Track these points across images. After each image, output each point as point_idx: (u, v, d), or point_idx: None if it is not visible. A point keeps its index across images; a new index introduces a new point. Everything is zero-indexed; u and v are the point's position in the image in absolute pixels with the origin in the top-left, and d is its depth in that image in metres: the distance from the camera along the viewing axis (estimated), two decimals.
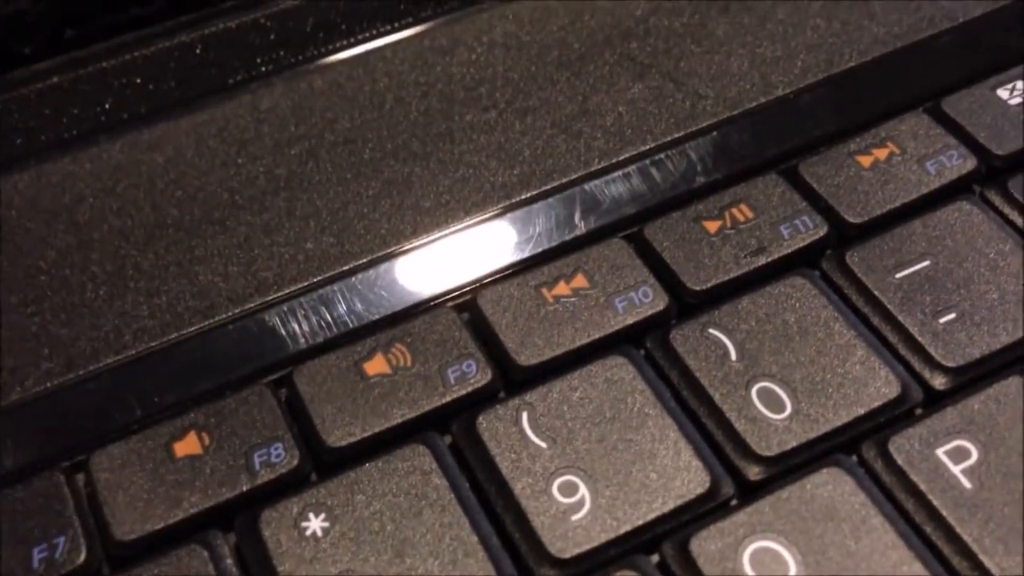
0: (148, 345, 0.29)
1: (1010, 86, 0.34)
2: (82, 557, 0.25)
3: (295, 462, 0.27)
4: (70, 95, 0.34)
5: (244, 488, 0.26)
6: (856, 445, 0.27)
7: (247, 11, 0.36)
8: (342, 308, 0.30)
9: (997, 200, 0.31)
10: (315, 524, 0.25)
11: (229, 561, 0.25)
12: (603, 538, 0.25)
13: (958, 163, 0.32)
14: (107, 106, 0.34)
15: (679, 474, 0.26)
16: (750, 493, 0.26)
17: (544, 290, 0.30)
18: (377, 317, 0.29)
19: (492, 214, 0.31)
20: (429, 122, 0.34)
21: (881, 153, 0.32)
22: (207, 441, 0.27)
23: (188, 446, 0.27)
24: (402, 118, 0.34)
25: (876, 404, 0.27)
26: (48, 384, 0.28)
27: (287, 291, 0.30)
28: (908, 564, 0.25)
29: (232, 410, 0.27)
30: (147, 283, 0.30)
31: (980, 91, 0.33)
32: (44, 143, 0.33)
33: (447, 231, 0.31)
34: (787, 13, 0.36)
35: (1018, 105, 0.33)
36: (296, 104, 0.34)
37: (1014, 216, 0.31)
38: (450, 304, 0.30)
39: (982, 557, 0.25)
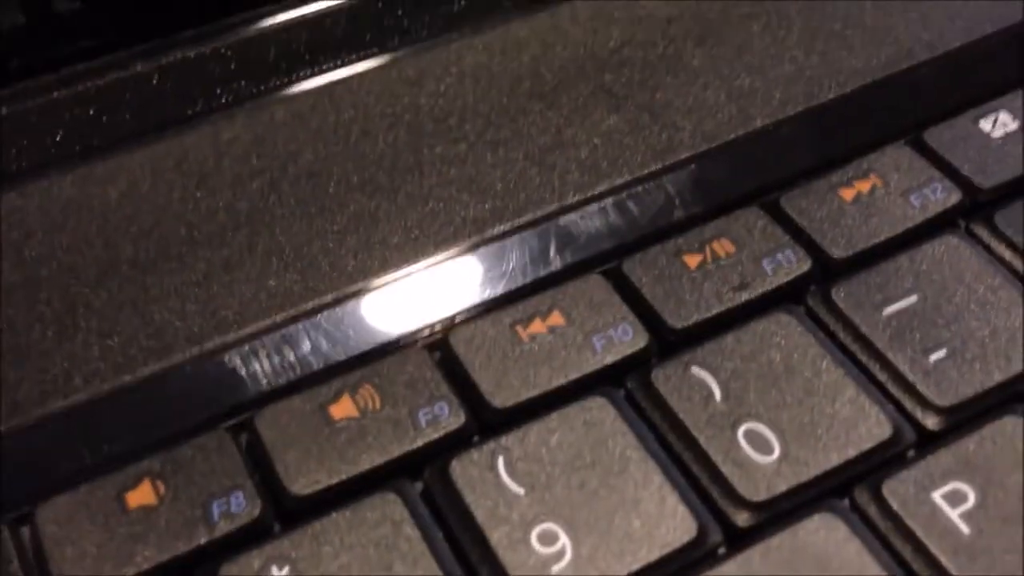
0: (99, 389, 0.27)
1: (992, 118, 0.33)
2: None
3: (256, 512, 0.25)
4: (18, 127, 0.32)
5: (202, 540, 0.25)
6: (848, 489, 0.26)
7: (206, 41, 0.34)
8: (307, 348, 0.28)
9: (984, 234, 0.31)
10: None
11: None
12: None
13: (942, 196, 0.31)
14: (58, 139, 0.32)
15: (664, 521, 0.25)
16: (739, 540, 0.25)
17: (519, 328, 0.28)
18: (344, 357, 0.28)
19: (463, 249, 0.30)
20: (397, 155, 0.32)
21: (864, 186, 0.31)
22: (162, 491, 0.25)
23: (142, 496, 0.25)
24: (368, 150, 0.33)
25: (868, 446, 0.26)
26: None
27: (248, 331, 0.28)
28: None
29: (189, 457, 0.26)
30: (99, 323, 0.28)
31: (962, 123, 0.33)
32: None
33: (417, 267, 0.30)
34: (764, 45, 0.35)
35: (1000, 138, 0.32)
36: (258, 136, 0.33)
37: (1001, 250, 0.30)
38: (421, 343, 0.28)
39: None
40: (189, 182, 0.32)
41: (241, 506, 0.25)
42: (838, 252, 0.30)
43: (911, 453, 0.26)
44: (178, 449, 0.26)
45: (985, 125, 0.33)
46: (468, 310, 0.29)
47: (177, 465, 0.26)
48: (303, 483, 0.25)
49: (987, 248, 0.30)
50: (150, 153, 0.32)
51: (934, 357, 0.28)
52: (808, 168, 0.32)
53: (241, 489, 0.25)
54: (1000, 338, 0.28)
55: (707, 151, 0.33)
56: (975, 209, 0.31)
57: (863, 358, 0.28)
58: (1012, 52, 0.35)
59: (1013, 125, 0.33)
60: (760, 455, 0.26)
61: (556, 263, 0.30)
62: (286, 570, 0.24)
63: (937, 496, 0.25)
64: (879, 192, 0.31)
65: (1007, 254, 0.30)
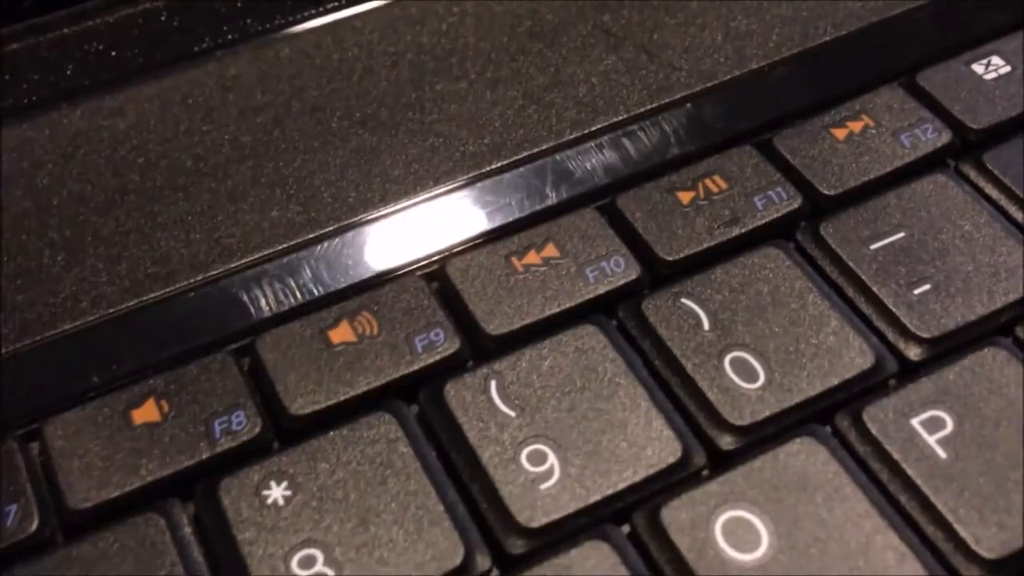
0: (107, 312, 0.28)
1: (985, 61, 0.33)
2: (34, 525, 0.24)
3: (257, 430, 0.26)
4: (30, 61, 0.33)
5: (204, 456, 0.25)
6: (830, 416, 0.27)
7: None
8: (307, 276, 0.29)
9: (972, 173, 0.31)
10: (277, 492, 0.25)
11: (187, 530, 0.25)
12: (572, 507, 0.25)
13: (933, 136, 0.32)
14: (68, 72, 0.33)
15: (650, 443, 0.26)
16: (722, 463, 0.26)
17: (514, 259, 0.29)
18: (343, 286, 0.29)
19: (462, 183, 0.31)
20: (398, 91, 0.33)
21: (856, 126, 0.32)
22: (166, 408, 0.26)
23: (146, 413, 0.26)
24: (371, 87, 0.33)
25: (850, 374, 0.27)
26: (2, 351, 0.27)
27: (251, 259, 0.29)
28: (882, 533, 0.24)
29: (192, 377, 0.27)
30: (107, 249, 0.29)
31: (955, 65, 0.33)
32: (3, 109, 0.32)
33: (416, 200, 0.30)
34: None
35: (992, 80, 0.33)
36: (263, 72, 0.34)
37: (989, 189, 0.31)
38: (418, 273, 0.29)
39: (957, 526, 0.24)
40: (195, 116, 0.32)
41: (242, 424, 0.26)
42: (828, 190, 0.31)
43: (893, 382, 0.27)
44: (182, 370, 0.27)
45: (978, 68, 0.33)
46: (465, 242, 0.30)
47: (181, 385, 0.27)
48: (302, 403, 0.26)
49: (975, 187, 0.31)
50: (158, 87, 0.33)
51: (918, 291, 0.28)
52: (802, 108, 0.33)
53: (242, 408, 0.26)
54: (983, 274, 0.29)
55: (703, 91, 0.33)
56: (965, 149, 0.32)
57: (849, 291, 0.29)
58: None
59: (1005, 68, 0.33)
60: (745, 382, 0.27)
61: (552, 198, 0.31)
62: (284, 484, 0.25)
63: (916, 422, 0.26)
64: (870, 132, 0.32)
65: (994, 193, 0.31)
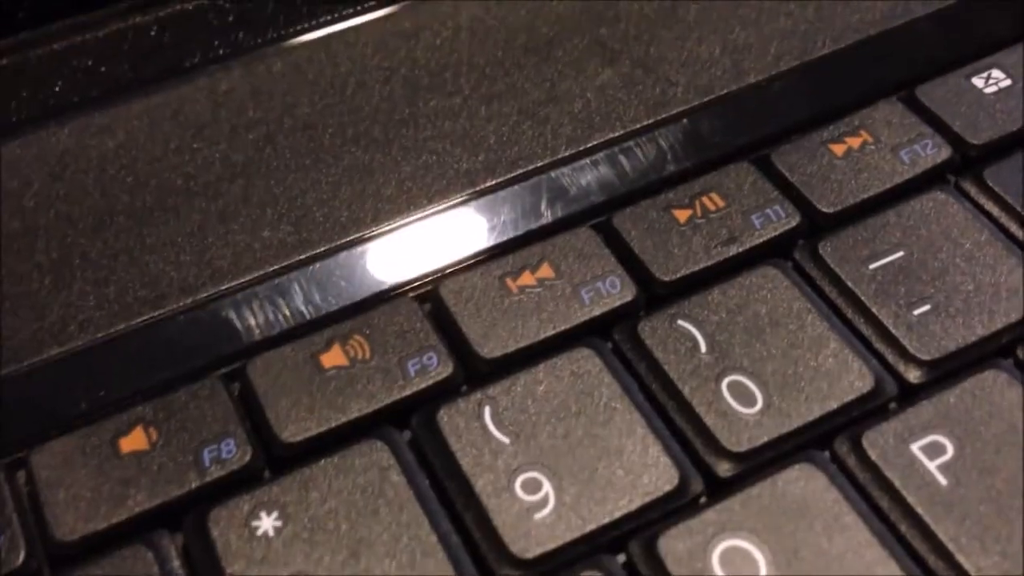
0: (94, 336, 0.28)
1: (985, 75, 0.33)
2: (20, 559, 0.24)
3: (247, 458, 0.25)
4: (17, 77, 0.33)
5: (193, 486, 0.25)
6: (829, 440, 0.26)
7: None
8: (299, 298, 0.28)
9: (972, 190, 0.31)
10: (267, 523, 0.24)
11: (176, 562, 0.24)
12: (567, 537, 0.24)
13: (932, 152, 0.31)
14: (56, 89, 0.33)
15: (647, 471, 0.25)
16: (720, 490, 0.25)
17: (508, 280, 0.29)
18: (335, 308, 0.28)
19: (456, 202, 0.30)
20: (392, 107, 0.33)
21: (855, 142, 0.32)
22: (154, 437, 0.26)
23: (135, 442, 0.26)
24: (364, 103, 0.33)
25: (849, 398, 0.26)
26: None
27: (242, 280, 0.29)
28: (882, 563, 0.24)
29: (181, 404, 0.26)
30: (94, 272, 0.29)
31: (955, 79, 0.33)
32: None
33: (409, 219, 0.30)
34: None
35: (993, 94, 0.32)
36: (255, 88, 0.33)
37: (989, 206, 0.30)
38: (411, 295, 0.29)
39: (958, 556, 0.24)
40: (186, 133, 0.32)
41: (232, 452, 0.26)
42: (826, 207, 0.30)
43: (892, 406, 0.27)
44: (171, 396, 0.26)
45: (978, 82, 0.33)
46: (459, 262, 0.29)
47: (169, 412, 0.26)
48: (293, 430, 0.26)
49: (975, 204, 0.30)
50: (148, 104, 0.32)
51: (918, 311, 0.28)
52: (800, 123, 0.32)
53: (232, 436, 0.26)
54: (984, 293, 0.28)
55: (700, 106, 0.33)
56: (965, 165, 0.31)
57: (848, 312, 0.28)
58: (1006, 9, 0.34)
59: (1006, 82, 0.33)
60: (743, 407, 0.26)
61: (547, 216, 0.30)
62: (275, 515, 0.25)
63: (915, 448, 0.25)
64: (869, 148, 0.31)
65: (995, 210, 0.30)
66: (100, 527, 0.24)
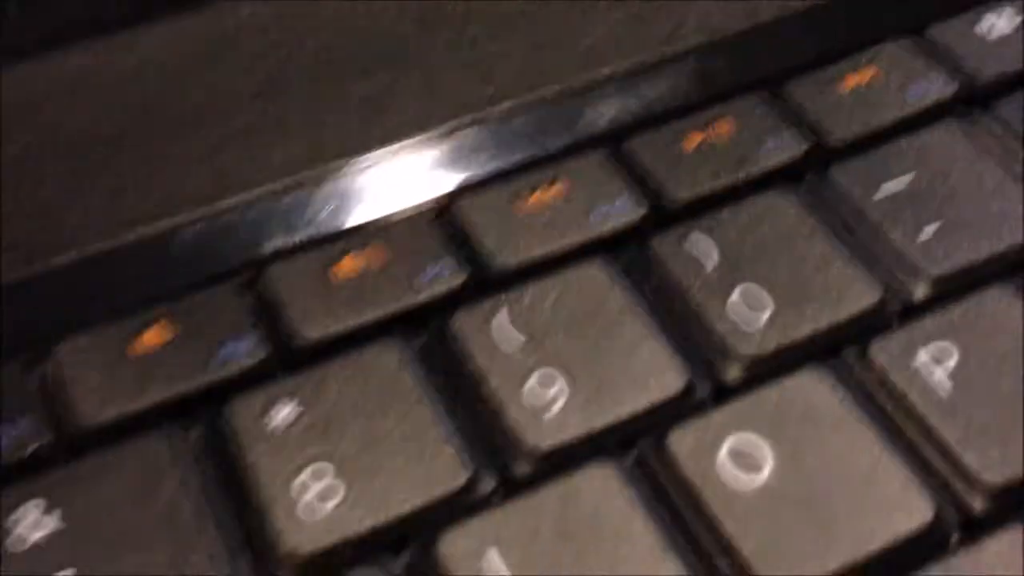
0: (112, 243, 0.28)
1: (997, 14, 0.33)
2: (47, 439, 0.24)
3: (263, 355, 0.26)
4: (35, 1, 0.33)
5: (211, 378, 0.25)
6: (837, 351, 0.27)
7: None
8: (314, 212, 0.29)
9: (981, 122, 0.31)
10: (285, 411, 0.25)
11: (195, 449, 0.25)
12: (579, 432, 0.25)
13: (941, 87, 0.32)
14: (76, 10, 0.33)
15: (658, 373, 0.26)
16: (729, 394, 0.26)
17: (521, 198, 0.29)
18: (351, 222, 0.29)
19: (469, 123, 0.31)
20: (408, 35, 0.33)
21: (864, 76, 0.32)
22: (173, 333, 0.26)
23: (154, 337, 0.26)
24: (383, 30, 0.33)
25: (858, 309, 0.27)
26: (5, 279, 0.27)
27: (258, 192, 0.29)
28: (887, 462, 0.24)
29: (199, 305, 0.27)
30: (113, 181, 0.29)
31: (967, 16, 0.33)
32: (6, 47, 0.32)
33: (423, 139, 0.30)
34: None
35: (1005, 31, 0.33)
36: (274, 14, 0.34)
37: (997, 137, 0.31)
38: (426, 210, 0.29)
39: (962, 456, 0.24)
40: (204, 55, 0.32)
41: (248, 350, 0.26)
42: (837, 136, 0.31)
43: (899, 320, 0.27)
44: (189, 298, 0.27)
45: (990, 18, 0.33)
46: (472, 181, 0.30)
47: (189, 312, 0.27)
48: (307, 331, 0.26)
49: (982, 135, 0.31)
50: (167, 27, 0.33)
51: (926, 231, 0.28)
52: (811, 60, 0.33)
53: (250, 335, 0.26)
54: (991, 216, 0.29)
55: (712, 41, 0.33)
56: (974, 101, 0.32)
57: (858, 231, 0.29)
58: None
59: (1018, 18, 0.33)
60: (752, 316, 0.27)
61: (560, 141, 0.31)
62: (290, 407, 0.25)
63: (922, 355, 0.26)
64: (879, 82, 0.32)
65: (1002, 141, 0.31)
66: (119, 414, 0.25)
